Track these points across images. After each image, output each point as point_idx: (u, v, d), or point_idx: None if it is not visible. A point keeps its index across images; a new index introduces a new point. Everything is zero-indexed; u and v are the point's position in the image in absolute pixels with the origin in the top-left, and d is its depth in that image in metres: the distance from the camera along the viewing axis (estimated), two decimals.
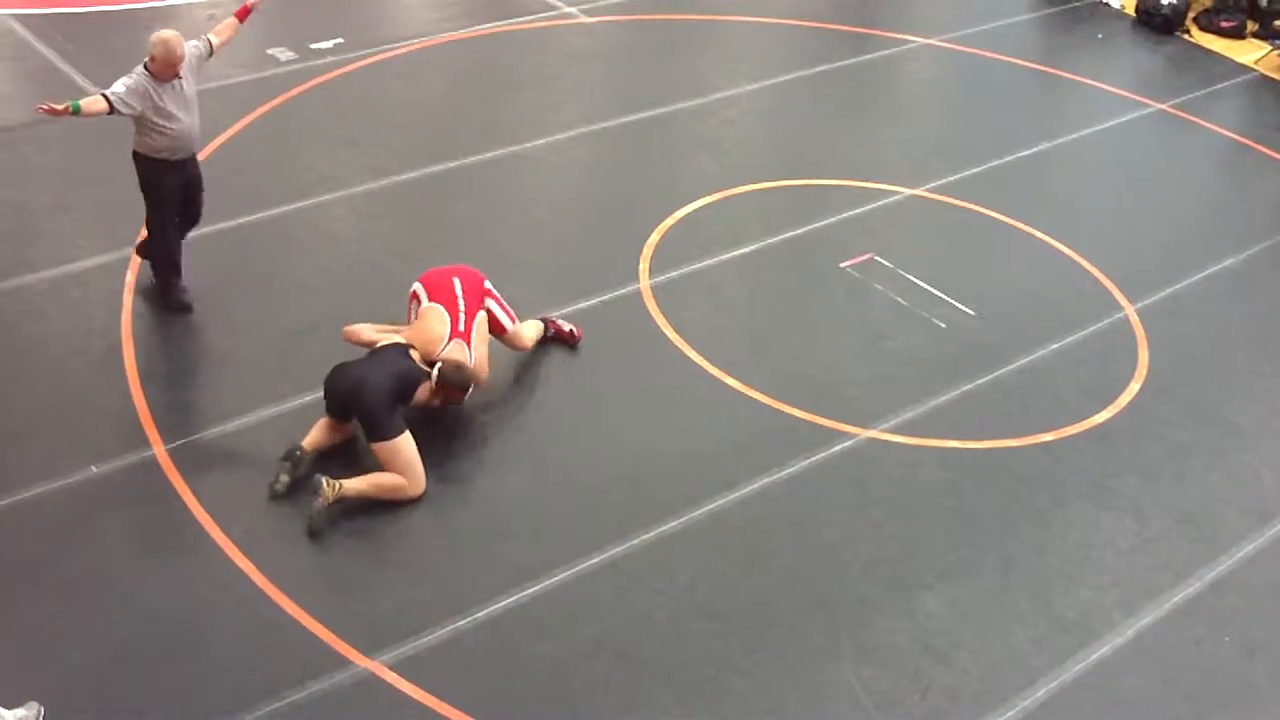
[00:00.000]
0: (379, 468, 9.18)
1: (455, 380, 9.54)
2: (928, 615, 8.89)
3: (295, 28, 15.28)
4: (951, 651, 8.66)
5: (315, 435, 9.34)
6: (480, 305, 10.03)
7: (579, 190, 13.42)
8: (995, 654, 8.68)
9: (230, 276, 11.19)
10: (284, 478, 9.08)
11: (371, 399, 9.14)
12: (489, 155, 13.34)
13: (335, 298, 10.93)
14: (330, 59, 14.71)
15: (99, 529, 8.80)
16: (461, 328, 9.81)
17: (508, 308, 10.33)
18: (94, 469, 9.17)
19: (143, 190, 10.37)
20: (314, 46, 14.90)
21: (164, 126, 10.03)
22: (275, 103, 13.76)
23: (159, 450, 9.35)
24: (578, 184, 13.50)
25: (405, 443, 9.20)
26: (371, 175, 12.76)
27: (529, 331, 10.56)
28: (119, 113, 9.87)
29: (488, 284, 10.21)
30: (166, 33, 9.89)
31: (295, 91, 14.03)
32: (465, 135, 13.63)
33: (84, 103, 9.82)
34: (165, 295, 10.70)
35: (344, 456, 9.39)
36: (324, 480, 8.87)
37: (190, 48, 10.15)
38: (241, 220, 11.83)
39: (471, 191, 12.75)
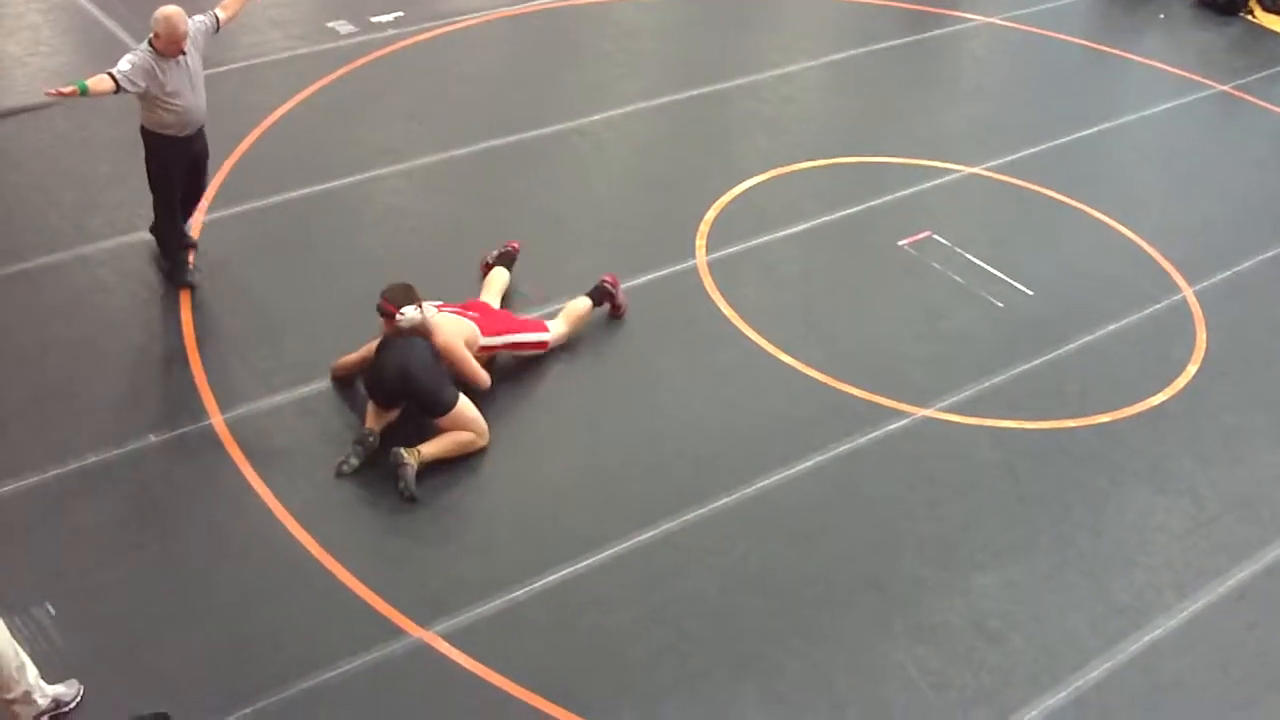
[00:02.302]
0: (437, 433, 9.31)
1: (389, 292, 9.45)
2: (981, 595, 8.88)
3: (356, 1, 15.33)
4: (1005, 632, 8.64)
5: (373, 418, 9.41)
6: (464, 310, 10.00)
7: (636, 166, 13.42)
8: (1049, 635, 8.66)
9: (289, 248, 11.27)
10: (354, 460, 9.16)
11: (423, 378, 9.24)
12: (547, 130, 13.36)
13: (393, 270, 10.92)
14: (390, 32, 14.76)
15: (157, 498, 8.89)
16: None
17: (523, 340, 10.25)
18: (152, 438, 9.25)
19: (147, 166, 10.42)
20: (374, 20, 14.96)
21: (170, 103, 10.05)
22: (335, 75, 13.81)
23: (216, 420, 9.43)
24: (635, 159, 13.50)
25: (465, 404, 9.37)
26: (430, 149, 12.80)
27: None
28: (126, 90, 9.89)
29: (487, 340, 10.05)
30: (169, 9, 9.90)
31: (355, 65, 14.08)
32: (523, 110, 13.65)
33: (90, 82, 9.81)
34: (170, 273, 10.74)
35: (403, 429, 9.46)
36: (403, 450, 9.01)
37: (195, 23, 10.18)
38: (301, 192, 11.90)
39: (529, 166, 12.78)
